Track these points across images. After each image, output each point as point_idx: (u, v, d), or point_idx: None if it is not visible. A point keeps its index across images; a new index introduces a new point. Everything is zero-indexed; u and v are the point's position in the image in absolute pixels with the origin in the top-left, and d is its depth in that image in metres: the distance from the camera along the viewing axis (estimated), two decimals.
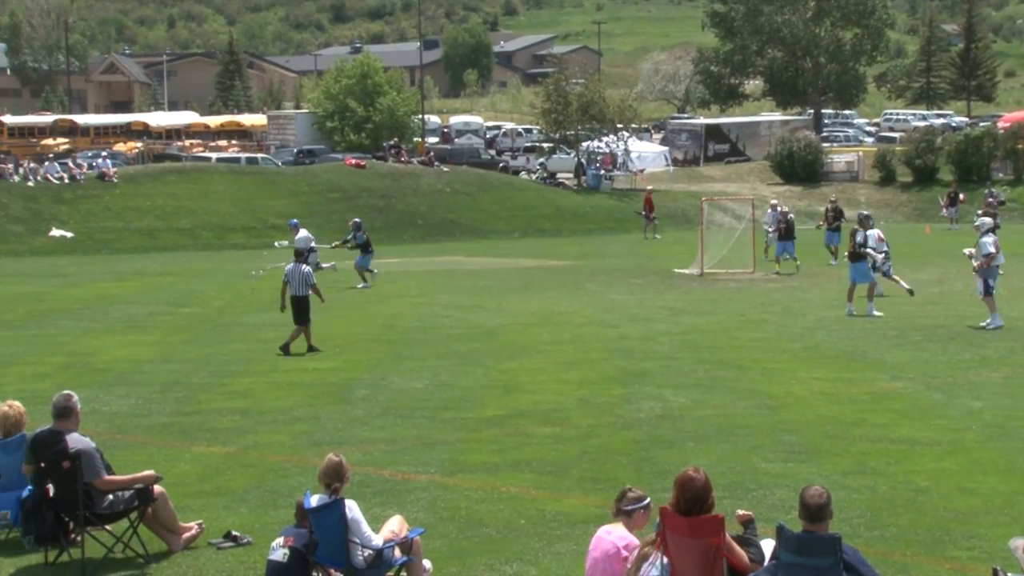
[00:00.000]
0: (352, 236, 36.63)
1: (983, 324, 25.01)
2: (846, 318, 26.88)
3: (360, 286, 34.94)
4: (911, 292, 29.22)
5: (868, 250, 27.71)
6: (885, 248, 28.57)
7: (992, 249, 25.01)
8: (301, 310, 23.33)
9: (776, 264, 38.44)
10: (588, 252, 48.69)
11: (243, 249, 52.91)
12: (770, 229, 41.20)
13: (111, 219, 55.15)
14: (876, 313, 26.98)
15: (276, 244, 43.98)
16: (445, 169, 67.54)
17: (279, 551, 9.74)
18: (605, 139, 72.16)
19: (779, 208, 41.78)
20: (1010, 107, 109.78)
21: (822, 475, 13.35)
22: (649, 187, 61.88)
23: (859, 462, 14.15)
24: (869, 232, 28.68)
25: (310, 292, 23.43)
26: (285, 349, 22.82)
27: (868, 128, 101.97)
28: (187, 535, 11.35)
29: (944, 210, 61.72)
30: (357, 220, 37.66)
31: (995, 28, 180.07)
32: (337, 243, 38.63)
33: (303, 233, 36.36)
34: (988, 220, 26.72)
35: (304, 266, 23.73)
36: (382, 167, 66.23)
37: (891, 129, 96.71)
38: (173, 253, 51.07)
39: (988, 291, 24.96)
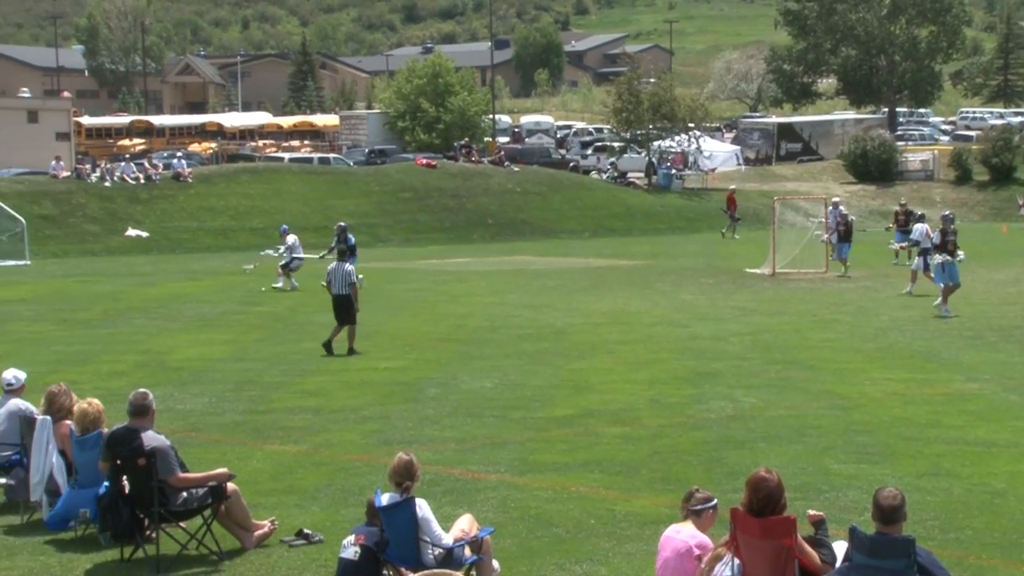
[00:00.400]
0: (337, 240, 35.16)
1: None
2: (934, 319, 26.57)
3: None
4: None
5: (957, 254, 27.25)
6: (928, 244, 28.43)
7: None
8: (344, 309, 23.06)
9: (842, 266, 37.71)
10: (658, 252, 48.52)
11: (315, 248, 53.26)
12: (826, 234, 39.96)
13: (185, 219, 55.78)
14: (949, 314, 26.61)
15: (261, 253, 42.15)
16: (515, 169, 67.60)
17: (350, 549, 9.78)
18: (676, 138, 71.85)
19: (840, 208, 41.25)
20: None
21: (896, 477, 13.21)
22: (732, 186, 61.03)
23: (934, 464, 13.99)
24: (917, 226, 28.96)
25: (351, 291, 23.03)
26: (349, 351, 22.79)
27: (944, 126, 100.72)
28: (260, 533, 11.43)
29: (1022, 209, 60.87)
30: (342, 224, 36.59)
31: None
32: (325, 253, 37.81)
33: (292, 239, 36.08)
34: None
35: (347, 265, 23.37)
36: (453, 167, 66.43)
37: (967, 127, 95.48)
38: (246, 252, 51.50)
39: None
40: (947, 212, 31.16)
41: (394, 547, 9.66)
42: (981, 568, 10.49)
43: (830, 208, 41.83)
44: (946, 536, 11.28)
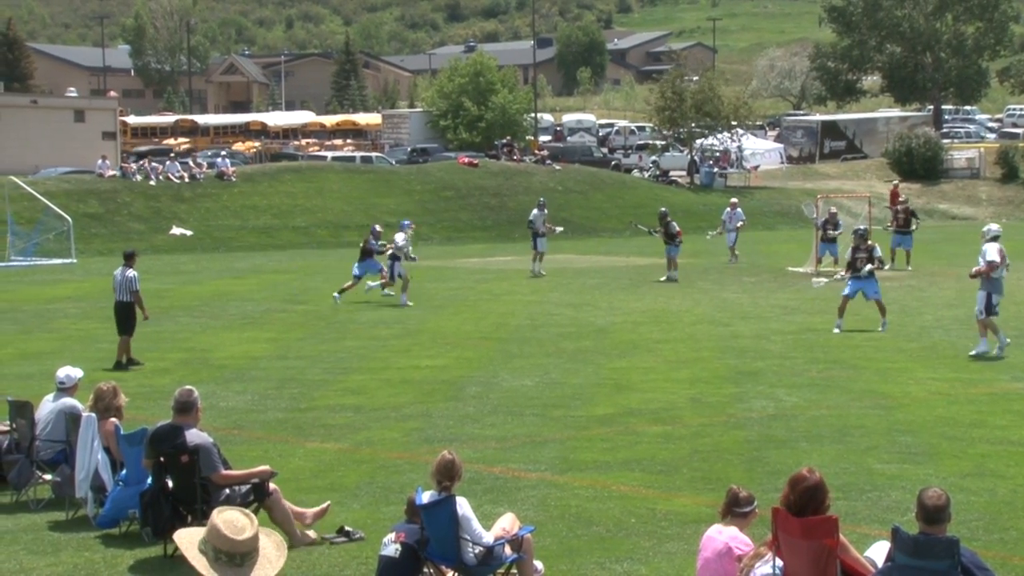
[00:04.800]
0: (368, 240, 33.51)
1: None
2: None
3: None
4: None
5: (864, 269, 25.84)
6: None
7: (997, 257, 21.59)
8: (123, 318, 21.83)
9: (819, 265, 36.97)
10: (700, 250, 48.33)
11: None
12: (717, 231, 38.72)
13: (229, 217, 56.08)
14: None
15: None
16: (557, 167, 67.56)
17: (391, 547, 9.80)
18: (719, 136, 71.59)
19: (738, 209, 42.53)
20: None
21: (939, 477, 13.12)
22: (895, 180, 58.81)
23: (978, 464, 13.87)
24: (398, 235, 31.51)
25: (133, 298, 21.87)
26: (128, 361, 21.65)
27: (990, 124, 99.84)
28: (308, 537, 11.35)
29: None
30: (378, 228, 34.97)
31: None
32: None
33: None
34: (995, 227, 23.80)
35: (130, 271, 22.05)
36: (494, 165, 66.47)
37: (1014, 125, 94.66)
38: (289, 251, 51.79)
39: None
40: (860, 226, 28.37)
41: (434, 545, 9.68)
42: None
43: (727, 209, 42.82)
44: (990, 537, 11.20)
